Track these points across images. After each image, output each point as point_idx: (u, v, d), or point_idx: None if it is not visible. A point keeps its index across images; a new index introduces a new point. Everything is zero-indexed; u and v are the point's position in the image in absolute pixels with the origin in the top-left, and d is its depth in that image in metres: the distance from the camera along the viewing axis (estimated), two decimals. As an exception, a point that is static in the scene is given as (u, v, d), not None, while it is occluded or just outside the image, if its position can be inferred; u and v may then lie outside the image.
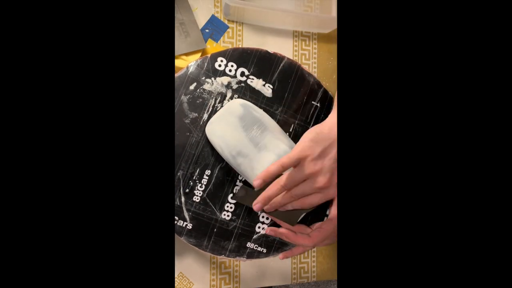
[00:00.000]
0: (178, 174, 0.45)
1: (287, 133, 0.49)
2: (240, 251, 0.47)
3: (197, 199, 0.46)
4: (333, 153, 0.42)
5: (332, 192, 0.42)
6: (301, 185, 0.42)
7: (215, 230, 0.46)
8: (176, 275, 0.51)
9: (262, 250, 0.48)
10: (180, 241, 0.49)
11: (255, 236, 0.48)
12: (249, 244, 0.48)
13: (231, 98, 0.47)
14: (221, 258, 0.48)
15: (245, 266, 0.54)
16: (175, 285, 0.51)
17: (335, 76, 0.59)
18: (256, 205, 0.43)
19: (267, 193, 0.42)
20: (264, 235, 0.48)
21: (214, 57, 0.47)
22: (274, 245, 0.48)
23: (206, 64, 0.47)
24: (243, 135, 0.45)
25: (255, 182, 0.42)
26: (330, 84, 0.59)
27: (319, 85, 0.51)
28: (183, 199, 0.45)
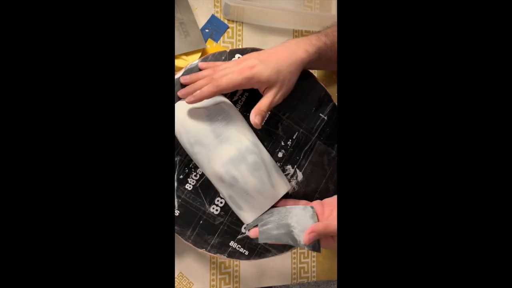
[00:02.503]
0: (176, 159, 0.45)
1: (290, 140, 0.48)
2: (222, 248, 0.47)
3: (190, 187, 0.46)
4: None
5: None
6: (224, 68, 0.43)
7: (201, 222, 0.46)
8: (176, 275, 0.51)
9: (244, 252, 0.48)
10: (180, 241, 0.49)
11: (239, 236, 0.47)
12: (232, 243, 0.47)
13: (241, 95, 0.47)
14: (204, 252, 0.47)
15: (245, 266, 0.54)
16: (175, 285, 0.51)
17: (335, 76, 0.59)
18: (189, 97, 0.42)
19: (197, 75, 0.44)
20: (248, 237, 0.47)
21: (233, 53, 0.47)
22: (256, 249, 0.48)
23: (223, 57, 0.47)
24: (205, 124, 0.43)
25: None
26: (330, 84, 0.58)
27: (329, 99, 0.50)
28: (175, 184, 0.45)
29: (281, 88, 0.43)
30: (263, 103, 0.43)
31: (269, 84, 0.42)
